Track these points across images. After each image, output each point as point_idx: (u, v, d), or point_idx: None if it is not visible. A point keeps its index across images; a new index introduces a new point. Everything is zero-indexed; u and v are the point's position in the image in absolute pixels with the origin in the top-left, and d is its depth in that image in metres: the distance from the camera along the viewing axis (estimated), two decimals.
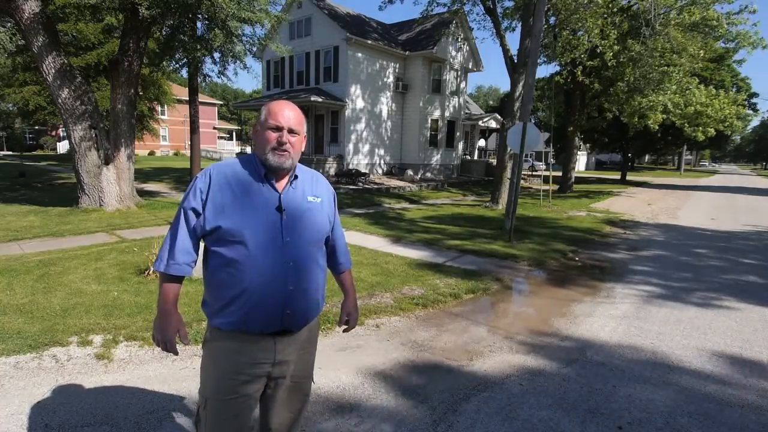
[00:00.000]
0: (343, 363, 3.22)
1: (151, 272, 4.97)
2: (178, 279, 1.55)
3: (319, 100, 18.71)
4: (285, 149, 1.49)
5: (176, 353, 1.57)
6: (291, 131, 1.51)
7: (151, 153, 38.46)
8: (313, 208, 1.59)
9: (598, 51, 12.11)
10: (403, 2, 15.26)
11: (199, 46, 9.32)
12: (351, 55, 19.46)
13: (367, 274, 5.53)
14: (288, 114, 1.51)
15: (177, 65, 11.97)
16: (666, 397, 2.86)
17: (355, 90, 19.94)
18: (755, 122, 76.64)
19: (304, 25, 21.08)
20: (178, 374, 2.98)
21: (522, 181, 18.29)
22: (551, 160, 18.58)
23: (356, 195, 15.18)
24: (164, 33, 10.40)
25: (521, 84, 11.52)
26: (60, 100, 8.68)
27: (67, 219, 8.45)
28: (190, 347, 3.30)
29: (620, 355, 3.49)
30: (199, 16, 9.69)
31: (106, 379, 2.90)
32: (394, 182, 19.62)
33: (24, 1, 7.93)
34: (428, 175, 22.77)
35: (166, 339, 1.53)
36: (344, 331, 1.91)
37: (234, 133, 51.71)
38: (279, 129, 1.50)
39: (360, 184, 17.72)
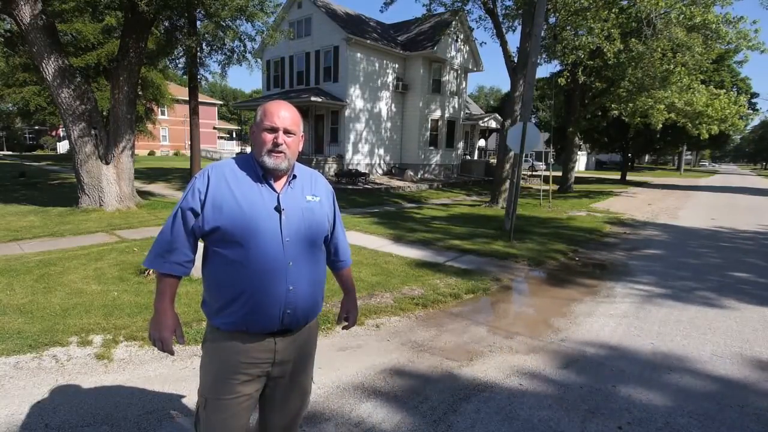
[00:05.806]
0: (343, 363, 3.22)
1: (150, 272, 4.97)
2: (175, 278, 1.55)
3: (319, 100, 18.71)
4: (281, 150, 1.49)
5: (172, 353, 1.57)
6: (287, 132, 1.50)
7: (151, 153, 38.50)
8: (312, 207, 1.58)
9: (604, 52, 12.11)
10: None
11: (194, 36, 9.36)
12: (351, 55, 19.46)
13: (367, 273, 5.53)
14: (283, 114, 1.50)
15: (176, 64, 11.97)
16: (666, 397, 2.86)
17: (355, 90, 19.94)
18: (755, 122, 76.60)
19: (304, 25, 21.08)
20: (178, 374, 2.98)
21: (522, 181, 18.28)
22: (551, 160, 18.57)
23: (356, 195, 15.18)
24: (163, 31, 10.39)
25: (521, 84, 11.52)
26: (60, 100, 8.68)
27: (67, 219, 8.44)
28: (190, 347, 3.30)
29: (620, 355, 3.49)
30: (198, 13, 9.70)
31: (106, 379, 2.89)
32: (394, 182, 19.62)
33: (25, 1, 7.93)
34: (428, 175, 22.76)
35: (162, 338, 1.52)
36: (344, 328, 1.92)
37: (234, 133, 51.74)
38: (274, 130, 1.49)
39: (360, 184, 17.72)
